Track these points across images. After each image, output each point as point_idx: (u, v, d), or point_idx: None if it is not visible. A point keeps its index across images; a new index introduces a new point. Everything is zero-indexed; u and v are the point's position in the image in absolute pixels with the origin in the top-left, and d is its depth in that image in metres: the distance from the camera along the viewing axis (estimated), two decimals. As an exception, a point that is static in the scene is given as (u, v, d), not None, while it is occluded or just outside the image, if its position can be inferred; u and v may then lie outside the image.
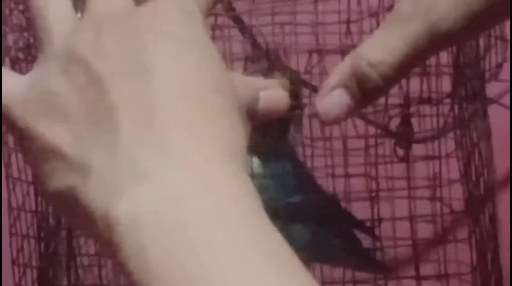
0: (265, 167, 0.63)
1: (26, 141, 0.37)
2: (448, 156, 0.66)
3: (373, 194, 0.63)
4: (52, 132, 0.35)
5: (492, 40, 0.60)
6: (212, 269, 0.29)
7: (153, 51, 0.35)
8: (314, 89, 0.62)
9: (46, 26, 0.38)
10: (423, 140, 0.65)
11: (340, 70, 0.45)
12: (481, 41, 0.62)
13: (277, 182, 0.64)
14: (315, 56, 0.60)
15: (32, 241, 0.69)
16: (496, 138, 0.69)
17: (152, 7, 0.36)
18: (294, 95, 0.62)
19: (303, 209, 0.64)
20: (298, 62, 0.62)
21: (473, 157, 0.65)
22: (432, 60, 0.61)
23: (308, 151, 0.65)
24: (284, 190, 0.62)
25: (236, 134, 0.35)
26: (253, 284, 0.29)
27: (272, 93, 0.41)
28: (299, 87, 0.64)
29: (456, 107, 0.62)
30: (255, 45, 0.61)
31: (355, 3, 0.60)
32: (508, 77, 0.62)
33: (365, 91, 0.45)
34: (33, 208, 0.68)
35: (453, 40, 0.48)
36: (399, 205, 0.66)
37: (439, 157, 0.65)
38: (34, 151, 0.36)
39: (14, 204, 0.66)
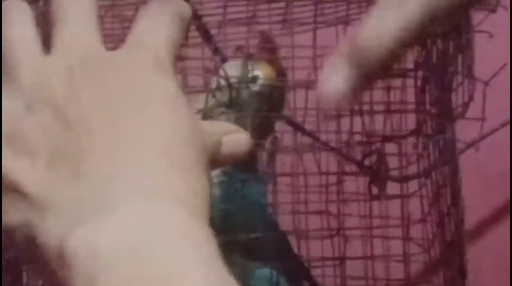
0: (228, 200, 0.65)
1: None
2: (409, 196, 0.67)
3: (333, 232, 0.64)
4: (13, 166, 0.34)
5: (460, 78, 0.62)
6: None
7: (123, 103, 0.35)
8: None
9: (13, 60, 0.37)
10: (401, 180, 0.66)
11: (336, 55, 0.46)
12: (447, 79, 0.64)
13: (240, 216, 0.65)
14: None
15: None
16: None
17: (124, 55, 0.37)
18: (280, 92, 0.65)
19: (262, 246, 0.65)
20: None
21: (439, 198, 0.66)
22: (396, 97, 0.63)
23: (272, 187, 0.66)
24: (246, 225, 0.64)
25: (201, 185, 0.35)
26: None
27: (235, 138, 0.40)
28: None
29: (420, 146, 0.63)
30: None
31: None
32: (475, 116, 0.64)
33: (365, 69, 0.44)
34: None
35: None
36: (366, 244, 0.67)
37: (407, 196, 0.65)
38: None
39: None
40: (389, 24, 0.42)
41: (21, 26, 0.38)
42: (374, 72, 0.44)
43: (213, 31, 0.67)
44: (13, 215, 0.34)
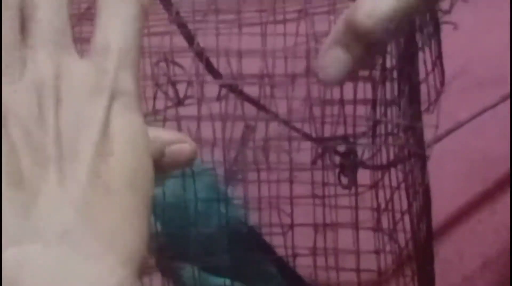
0: (175, 193, 0.64)
1: None
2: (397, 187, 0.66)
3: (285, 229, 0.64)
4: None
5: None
6: None
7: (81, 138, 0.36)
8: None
9: None
10: (373, 168, 0.66)
11: (335, 29, 0.47)
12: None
13: (189, 211, 0.65)
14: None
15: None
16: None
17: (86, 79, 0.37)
18: None
19: (216, 242, 0.65)
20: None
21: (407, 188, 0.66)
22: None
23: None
24: (197, 219, 0.64)
25: (139, 237, 0.36)
26: None
27: (178, 148, 0.41)
28: None
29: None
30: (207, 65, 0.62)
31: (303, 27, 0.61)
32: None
33: (362, 44, 0.46)
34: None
35: None
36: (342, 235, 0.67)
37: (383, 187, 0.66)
38: None
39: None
40: (384, 6, 0.45)
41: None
42: (368, 53, 0.46)
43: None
44: None
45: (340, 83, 0.50)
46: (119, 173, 0.36)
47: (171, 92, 0.61)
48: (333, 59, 0.48)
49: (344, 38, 0.47)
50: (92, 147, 0.36)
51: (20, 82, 0.37)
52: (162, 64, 0.60)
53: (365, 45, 0.47)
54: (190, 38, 0.62)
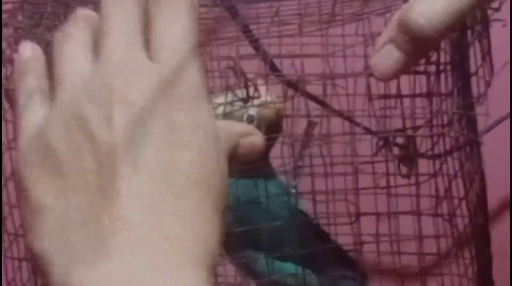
0: (248, 192, 0.67)
1: (21, 187, 0.37)
2: (455, 175, 0.69)
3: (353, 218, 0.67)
4: (43, 187, 0.36)
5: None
6: None
7: (153, 142, 0.36)
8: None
9: (59, 72, 0.39)
10: (430, 157, 0.68)
11: (389, 27, 0.49)
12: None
13: (262, 207, 0.67)
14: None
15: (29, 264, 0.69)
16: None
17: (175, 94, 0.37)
18: (276, 125, 0.66)
19: (286, 233, 0.67)
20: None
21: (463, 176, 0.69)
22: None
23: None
24: (268, 214, 0.66)
25: (212, 234, 0.36)
26: None
27: (250, 140, 0.42)
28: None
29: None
30: (272, 67, 0.65)
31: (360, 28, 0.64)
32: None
33: (415, 42, 0.48)
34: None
35: None
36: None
37: (442, 175, 0.68)
38: (24, 200, 0.37)
39: (11, 230, 0.67)
40: (437, 7, 0.47)
41: (74, 44, 0.39)
42: (420, 53, 0.49)
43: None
44: (36, 236, 0.36)
45: (394, 78, 0.51)
46: (191, 170, 0.37)
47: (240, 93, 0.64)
48: (386, 55, 0.49)
49: (397, 36, 0.48)
50: (163, 142, 0.36)
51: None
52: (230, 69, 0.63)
53: (418, 43, 0.48)
54: (256, 44, 0.66)
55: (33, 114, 0.39)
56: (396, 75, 0.50)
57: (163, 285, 0.34)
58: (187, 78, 0.37)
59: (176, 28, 0.39)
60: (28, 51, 0.41)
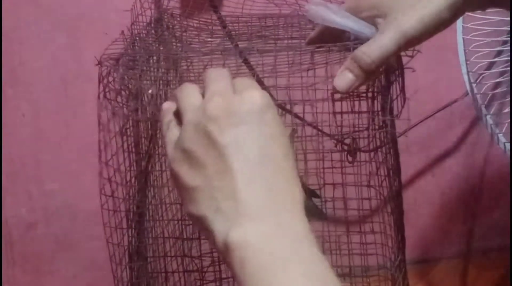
0: None
1: (174, 177, 0.46)
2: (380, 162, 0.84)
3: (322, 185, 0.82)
4: (191, 175, 0.45)
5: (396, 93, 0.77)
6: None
7: (256, 142, 0.44)
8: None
9: (181, 106, 0.48)
10: (367, 151, 0.84)
11: (346, 60, 0.61)
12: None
13: None
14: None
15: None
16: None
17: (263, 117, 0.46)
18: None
19: None
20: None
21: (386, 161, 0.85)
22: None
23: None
24: None
25: (299, 188, 0.45)
26: None
27: None
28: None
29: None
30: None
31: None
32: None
33: (362, 71, 0.59)
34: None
35: (418, 42, 0.61)
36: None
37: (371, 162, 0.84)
38: (179, 185, 0.45)
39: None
40: (375, 49, 0.58)
41: (191, 90, 0.49)
42: (366, 73, 0.59)
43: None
44: (196, 207, 0.44)
45: (348, 93, 0.62)
46: (278, 148, 0.44)
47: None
48: (344, 78, 0.61)
49: (351, 65, 0.61)
50: (256, 140, 0.44)
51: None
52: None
53: (363, 71, 0.60)
54: (257, 78, 0.74)
55: (172, 133, 0.49)
56: (348, 91, 0.61)
57: (288, 224, 0.41)
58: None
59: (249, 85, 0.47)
60: (165, 105, 0.52)
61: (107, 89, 0.68)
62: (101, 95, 0.67)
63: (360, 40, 0.66)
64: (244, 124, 0.44)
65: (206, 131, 0.44)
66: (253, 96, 0.45)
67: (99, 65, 0.68)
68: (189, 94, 0.48)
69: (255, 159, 0.43)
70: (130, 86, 0.64)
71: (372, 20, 0.64)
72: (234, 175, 0.42)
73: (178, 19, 0.95)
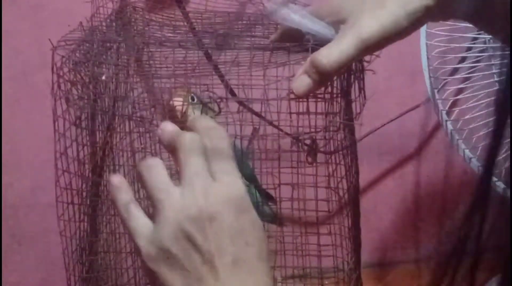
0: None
1: (151, 275, 0.47)
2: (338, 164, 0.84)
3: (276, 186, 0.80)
4: (171, 277, 0.46)
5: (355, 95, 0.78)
6: None
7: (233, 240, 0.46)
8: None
9: (154, 196, 0.48)
10: (326, 153, 0.83)
11: (304, 63, 0.61)
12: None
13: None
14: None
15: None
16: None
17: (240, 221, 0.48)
18: None
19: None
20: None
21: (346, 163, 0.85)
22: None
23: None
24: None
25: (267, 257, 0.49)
26: None
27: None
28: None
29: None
30: (231, 92, 0.77)
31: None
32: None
33: (319, 75, 0.59)
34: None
35: (377, 49, 0.61)
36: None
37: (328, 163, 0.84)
38: (158, 283, 0.46)
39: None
40: (334, 53, 0.58)
41: (159, 176, 0.48)
42: (322, 82, 0.59)
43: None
44: None
45: (304, 96, 0.62)
46: (255, 239, 0.48)
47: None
48: (301, 81, 0.61)
49: (309, 69, 0.60)
50: (235, 239, 0.47)
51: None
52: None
53: (321, 74, 0.60)
54: (222, 78, 0.80)
55: (137, 223, 0.49)
56: (306, 94, 0.62)
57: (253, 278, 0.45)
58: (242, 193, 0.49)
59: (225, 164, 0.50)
60: (116, 179, 0.50)
61: (61, 80, 0.68)
62: (55, 86, 0.68)
63: (319, 41, 0.66)
64: (223, 217, 0.46)
65: (188, 234, 0.45)
66: (230, 184, 0.48)
67: (53, 51, 0.68)
68: (158, 174, 0.48)
69: (233, 263, 0.46)
70: (83, 75, 0.64)
71: (333, 26, 0.65)
72: (218, 275, 0.45)
73: (141, 12, 0.95)
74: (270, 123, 0.78)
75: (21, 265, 1.41)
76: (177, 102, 0.73)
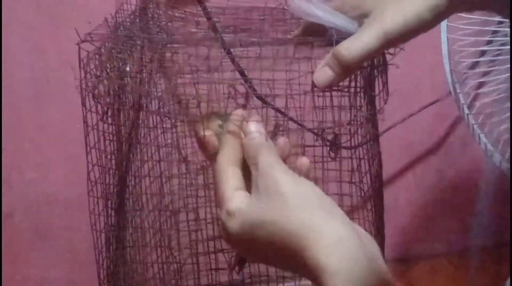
0: None
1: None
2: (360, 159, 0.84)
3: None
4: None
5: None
6: None
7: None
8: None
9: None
10: (349, 147, 0.83)
11: (326, 56, 0.62)
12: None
13: None
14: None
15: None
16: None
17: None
18: None
19: None
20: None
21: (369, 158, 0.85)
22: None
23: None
24: None
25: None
26: None
27: None
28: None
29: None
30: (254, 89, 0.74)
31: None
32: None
33: (341, 66, 0.60)
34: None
35: (400, 42, 0.62)
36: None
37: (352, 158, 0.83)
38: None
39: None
40: (356, 46, 0.59)
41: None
42: (344, 74, 0.60)
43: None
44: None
45: (327, 88, 0.62)
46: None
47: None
48: (323, 73, 0.61)
49: (330, 61, 0.61)
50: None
51: None
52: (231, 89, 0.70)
53: (342, 67, 0.60)
54: (244, 74, 0.77)
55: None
56: (328, 86, 0.62)
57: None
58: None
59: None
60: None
61: (88, 76, 0.69)
62: (83, 82, 0.68)
63: (343, 35, 0.66)
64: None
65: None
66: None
67: (79, 47, 0.69)
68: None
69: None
70: (108, 71, 0.64)
71: (356, 20, 0.65)
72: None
73: (164, 9, 0.95)
74: (291, 119, 0.78)
75: (44, 261, 1.42)
76: (209, 136, 0.68)
